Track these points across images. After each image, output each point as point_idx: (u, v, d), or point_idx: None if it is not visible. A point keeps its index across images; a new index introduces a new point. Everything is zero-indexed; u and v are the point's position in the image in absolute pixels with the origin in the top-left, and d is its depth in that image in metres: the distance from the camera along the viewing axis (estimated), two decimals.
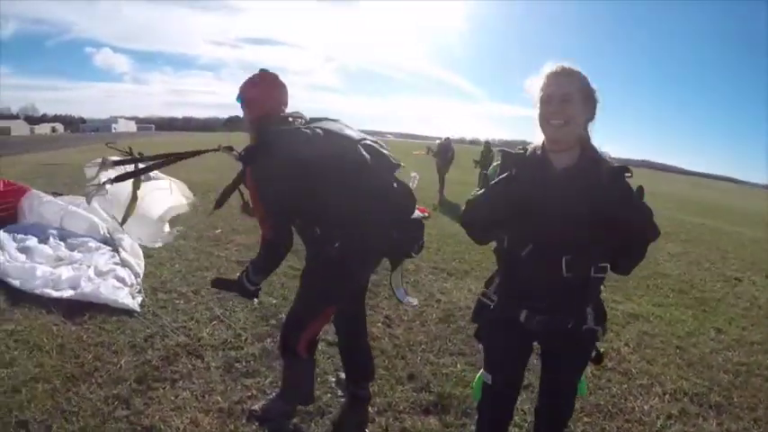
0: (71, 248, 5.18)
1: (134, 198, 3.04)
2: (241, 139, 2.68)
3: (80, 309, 3.90)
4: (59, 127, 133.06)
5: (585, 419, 3.03)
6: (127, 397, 2.84)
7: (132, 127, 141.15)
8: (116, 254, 5.00)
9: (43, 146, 32.63)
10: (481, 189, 1.89)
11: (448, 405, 3.04)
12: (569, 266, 1.77)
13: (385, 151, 2.36)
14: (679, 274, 7.38)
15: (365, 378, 2.96)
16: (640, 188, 1.78)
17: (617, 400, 3.29)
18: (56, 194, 7.05)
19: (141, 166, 3.03)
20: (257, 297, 2.56)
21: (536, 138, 1.87)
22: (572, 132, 1.76)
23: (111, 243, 5.21)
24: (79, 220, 5.60)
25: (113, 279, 4.39)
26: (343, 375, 3.08)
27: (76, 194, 6.91)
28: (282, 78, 2.52)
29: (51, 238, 5.36)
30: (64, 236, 5.47)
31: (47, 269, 4.52)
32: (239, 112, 2.54)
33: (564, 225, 1.72)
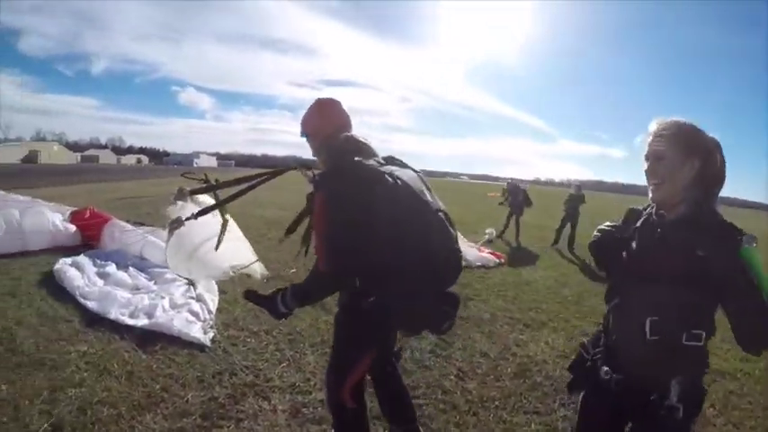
0: (149, 278, 5.24)
1: (225, 222, 2.95)
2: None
3: (153, 339, 3.86)
4: (144, 158, 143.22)
5: None
6: None
7: (213, 162, 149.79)
8: (192, 288, 4.99)
9: (128, 175, 34.98)
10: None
11: None
12: (654, 329, 1.62)
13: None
14: None
15: (408, 420, 2.70)
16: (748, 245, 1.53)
17: None
18: (137, 224, 7.31)
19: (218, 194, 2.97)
20: (285, 319, 2.35)
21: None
22: (668, 191, 1.68)
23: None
24: (158, 250, 5.68)
25: (187, 312, 4.35)
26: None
27: (157, 226, 7.12)
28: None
29: (131, 267, 5.47)
30: (143, 266, 5.58)
31: (124, 295, 4.55)
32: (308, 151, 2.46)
33: (651, 282, 1.63)
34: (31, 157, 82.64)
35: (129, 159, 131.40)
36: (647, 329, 1.62)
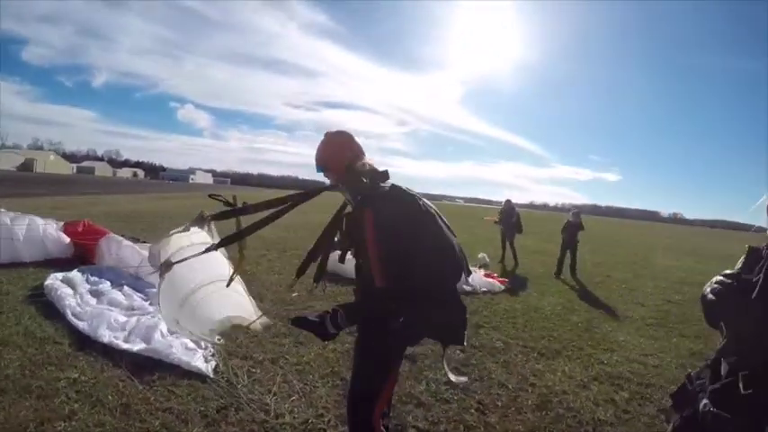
0: (145, 298, 4.94)
1: (242, 257, 2.70)
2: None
3: (149, 366, 3.57)
4: (140, 173, 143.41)
5: None
6: None
7: (209, 179, 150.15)
8: None
9: (124, 188, 34.73)
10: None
11: None
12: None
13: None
14: None
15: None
16: None
17: None
18: (133, 239, 7.01)
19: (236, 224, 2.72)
20: (332, 339, 2.29)
21: None
22: None
23: None
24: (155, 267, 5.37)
25: (187, 339, 4.03)
26: None
27: (155, 242, 6.83)
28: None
29: (126, 286, 5.17)
30: (139, 285, 5.27)
31: (119, 317, 4.25)
32: (319, 176, 2.49)
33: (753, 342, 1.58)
34: (27, 165, 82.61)
35: (126, 173, 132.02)
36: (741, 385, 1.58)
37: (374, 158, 2.43)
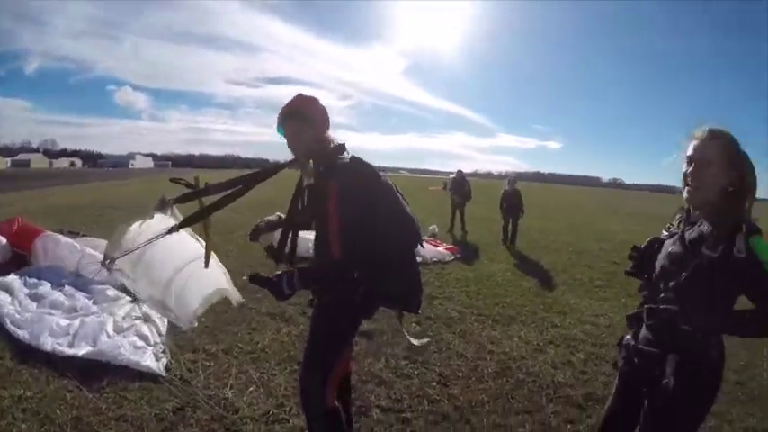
0: (88, 297, 4.69)
1: (209, 238, 2.59)
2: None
3: (97, 371, 3.40)
4: (78, 162, 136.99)
5: None
6: None
7: (149, 163, 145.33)
8: (137, 306, 4.48)
9: (61, 180, 33.04)
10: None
11: None
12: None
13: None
14: None
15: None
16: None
17: None
18: (72, 234, 6.64)
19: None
20: (287, 300, 2.30)
21: None
22: (701, 197, 1.75)
23: (131, 293, 4.70)
24: (97, 264, 5.10)
25: (135, 336, 3.89)
26: None
27: (95, 236, 6.51)
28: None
29: (67, 285, 4.89)
30: (80, 283, 5.00)
31: (61, 321, 4.03)
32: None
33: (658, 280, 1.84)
34: None
35: (63, 163, 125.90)
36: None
37: None
